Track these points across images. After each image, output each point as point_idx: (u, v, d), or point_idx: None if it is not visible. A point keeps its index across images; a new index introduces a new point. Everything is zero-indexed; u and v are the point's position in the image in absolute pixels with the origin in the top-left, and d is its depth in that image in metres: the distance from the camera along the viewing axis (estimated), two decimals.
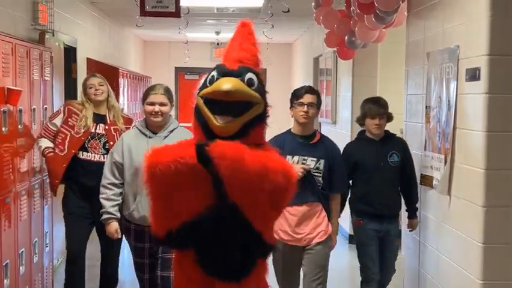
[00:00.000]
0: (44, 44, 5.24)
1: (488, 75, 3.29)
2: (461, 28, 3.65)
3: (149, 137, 3.60)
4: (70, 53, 6.67)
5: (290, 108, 3.75)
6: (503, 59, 3.29)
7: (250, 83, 2.34)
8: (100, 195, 3.67)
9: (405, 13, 4.82)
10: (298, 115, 3.68)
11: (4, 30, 4.33)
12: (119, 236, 3.74)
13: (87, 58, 7.42)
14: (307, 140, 3.72)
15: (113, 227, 3.67)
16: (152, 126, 3.64)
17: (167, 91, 3.68)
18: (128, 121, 4.30)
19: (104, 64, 8.01)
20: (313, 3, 6.43)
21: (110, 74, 7.78)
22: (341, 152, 3.99)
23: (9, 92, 3.72)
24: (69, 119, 4.12)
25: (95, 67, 7.53)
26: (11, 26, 4.84)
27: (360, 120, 4.21)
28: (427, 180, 4.14)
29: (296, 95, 3.72)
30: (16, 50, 3.97)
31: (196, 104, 2.40)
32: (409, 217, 4.27)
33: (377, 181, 4.07)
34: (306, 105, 3.65)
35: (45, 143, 4.16)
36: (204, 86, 2.38)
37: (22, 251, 4.13)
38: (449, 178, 3.76)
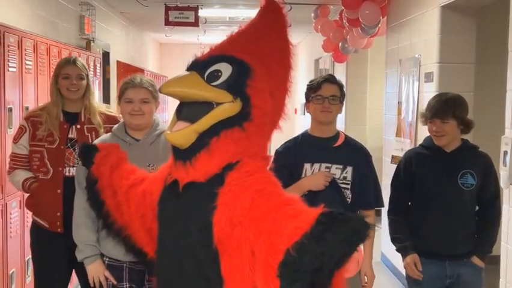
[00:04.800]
0: (91, 51, 6.38)
1: (438, 78, 4.43)
2: (421, 42, 4.78)
3: (130, 144, 2.65)
4: (105, 57, 7.80)
5: (306, 104, 2.92)
6: (449, 65, 4.43)
7: (211, 77, 1.75)
8: (74, 222, 2.64)
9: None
10: (317, 112, 2.80)
11: (62, 40, 5.50)
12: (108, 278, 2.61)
13: (117, 61, 8.55)
14: (329, 143, 2.83)
15: (99, 266, 2.60)
16: (133, 129, 2.71)
17: (151, 84, 2.72)
18: (112, 120, 3.13)
19: (131, 66, 9.14)
20: (312, 14, 7.56)
21: None
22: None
23: None
24: (37, 132, 3.05)
25: (124, 69, 8.67)
26: (66, 37, 5.99)
27: (424, 123, 3.05)
28: (398, 160, 5.24)
29: (313, 87, 2.82)
30: (80, 57, 5.12)
31: None
32: (476, 254, 2.98)
33: (440, 207, 2.93)
34: (326, 99, 2.77)
35: (21, 175, 3.07)
36: None
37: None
38: None
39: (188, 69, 1.82)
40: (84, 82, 3.13)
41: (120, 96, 2.71)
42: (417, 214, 2.98)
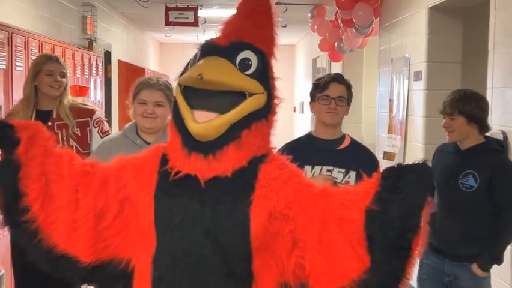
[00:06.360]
0: (93, 50, 6.58)
1: (426, 77, 4.61)
2: (411, 42, 4.97)
3: (140, 147, 2.51)
4: (106, 56, 8.00)
5: (310, 103, 2.79)
6: (437, 64, 4.62)
7: (243, 66, 1.66)
8: None
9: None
10: (323, 113, 2.68)
11: (65, 40, 5.69)
12: None
13: (118, 60, 8.74)
14: (333, 146, 2.71)
15: None
16: (144, 132, 2.61)
17: (167, 87, 2.60)
18: (84, 113, 3.12)
19: (133, 65, 9.34)
20: (309, 14, 7.75)
21: (138, 74, 9.16)
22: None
23: (80, 88, 5.09)
24: None
25: (125, 68, 8.88)
26: (69, 37, 6.18)
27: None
28: (390, 156, 5.45)
29: (319, 86, 2.69)
30: (83, 57, 5.36)
31: (175, 95, 1.74)
32: (477, 262, 2.86)
33: (441, 205, 2.97)
34: (333, 100, 2.64)
35: None
36: (186, 70, 1.74)
37: None
38: (404, 152, 5.07)
39: (207, 54, 1.65)
40: (65, 80, 3.11)
41: (134, 97, 2.59)
42: (433, 207, 2.98)
